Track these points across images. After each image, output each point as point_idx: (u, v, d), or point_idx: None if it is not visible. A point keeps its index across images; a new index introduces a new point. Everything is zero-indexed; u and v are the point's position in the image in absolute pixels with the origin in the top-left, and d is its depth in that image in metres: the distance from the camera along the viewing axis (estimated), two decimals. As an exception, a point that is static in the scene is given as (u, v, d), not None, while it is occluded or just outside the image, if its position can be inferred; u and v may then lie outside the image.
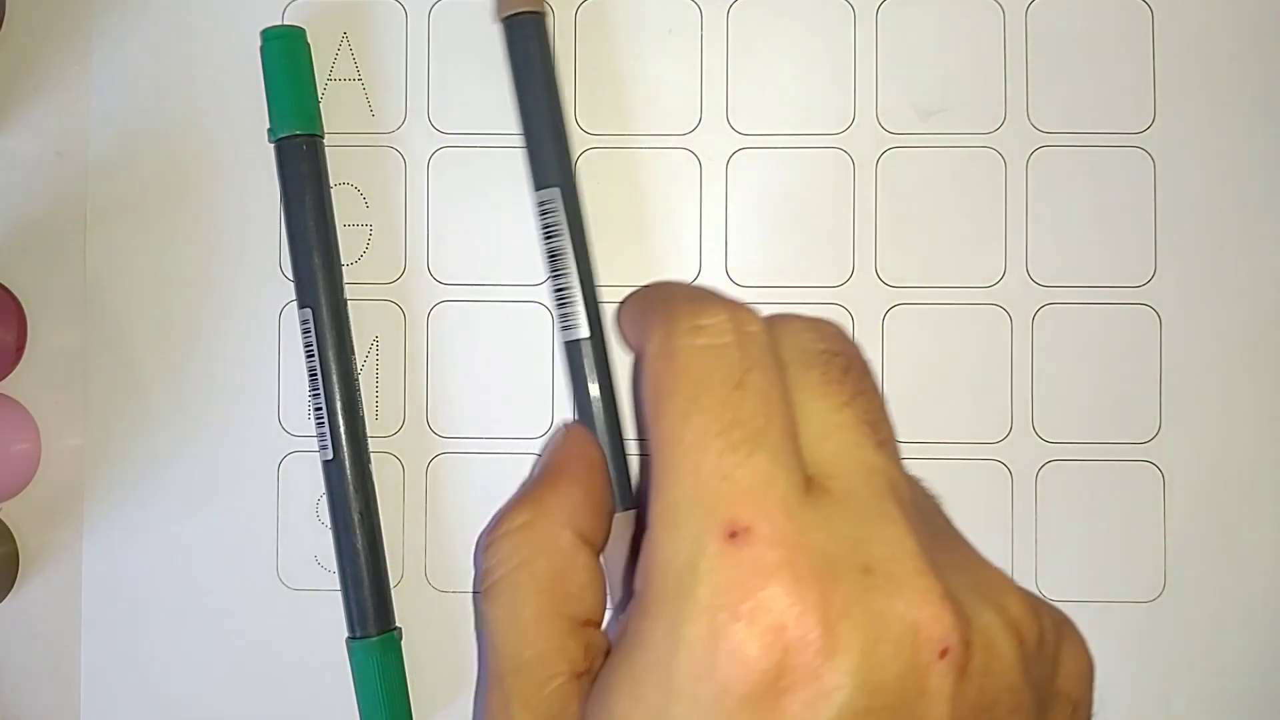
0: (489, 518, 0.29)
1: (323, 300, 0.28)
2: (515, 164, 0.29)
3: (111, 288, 0.30)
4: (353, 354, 0.29)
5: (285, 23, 0.30)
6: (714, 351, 0.20)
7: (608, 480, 0.26)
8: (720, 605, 0.18)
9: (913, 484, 0.22)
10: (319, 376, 0.28)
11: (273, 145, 0.29)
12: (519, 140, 0.29)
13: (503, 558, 0.23)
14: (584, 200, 0.28)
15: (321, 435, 0.28)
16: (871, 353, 0.29)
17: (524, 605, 0.23)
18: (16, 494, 0.30)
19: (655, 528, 0.20)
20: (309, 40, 0.29)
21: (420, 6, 0.30)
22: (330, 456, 0.28)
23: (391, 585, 0.29)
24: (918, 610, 0.18)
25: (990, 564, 0.21)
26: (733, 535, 0.18)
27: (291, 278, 0.29)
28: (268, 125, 0.29)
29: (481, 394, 0.29)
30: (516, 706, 0.22)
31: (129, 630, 0.29)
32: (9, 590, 0.30)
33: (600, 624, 0.24)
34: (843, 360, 0.21)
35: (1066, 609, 0.29)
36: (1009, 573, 0.29)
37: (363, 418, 0.29)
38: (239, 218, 0.30)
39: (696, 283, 0.29)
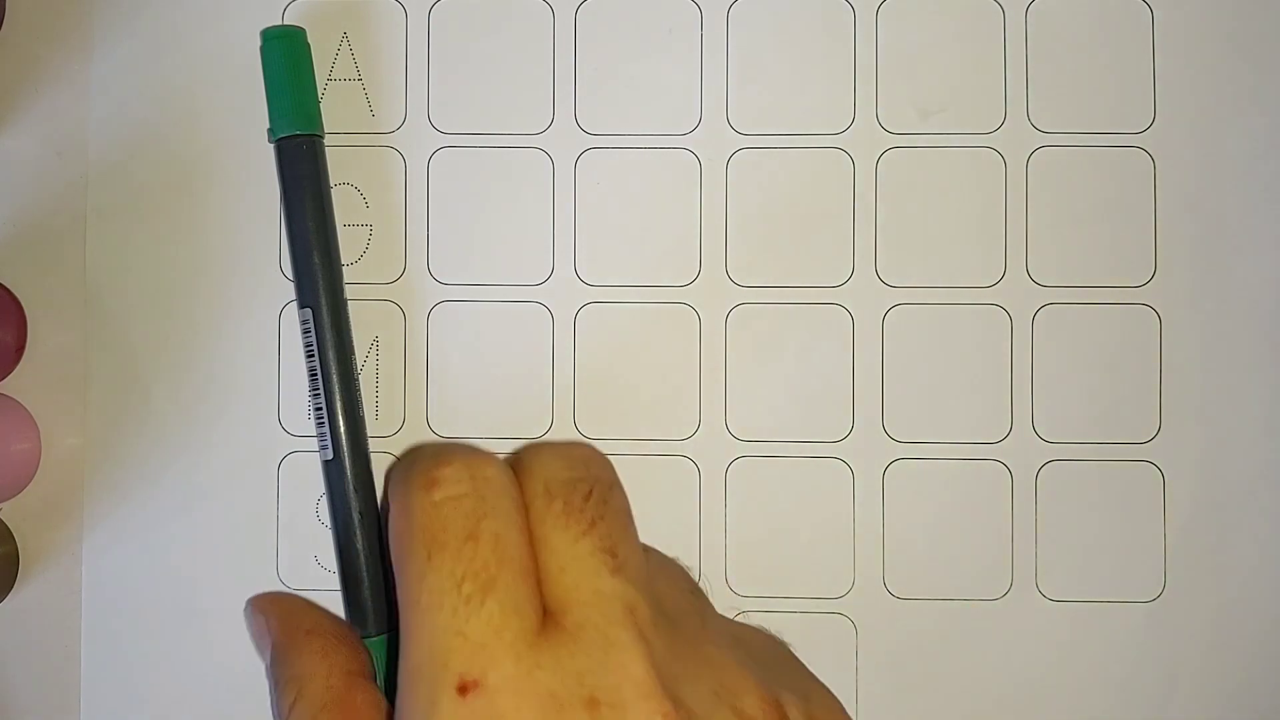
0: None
1: (323, 300, 0.28)
2: (515, 164, 0.30)
3: (111, 288, 0.30)
4: (353, 354, 0.29)
5: (285, 23, 0.30)
6: (449, 504, 0.21)
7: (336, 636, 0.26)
8: None
9: (671, 585, 0.22)
10: (319, 376, 0.28)
11: (273, 145, 0.29)
12: (519, 140, 0.29)
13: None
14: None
15: (321, 435, 0.28)
16: (871, 353, 0.29)
17: None
18: (16, 494, 0.30)
19: (401, 691, 0.20)
20: (309, 40, 0.29)
21: (420, 6, 0.30)
22: (330, 456, 0.28)
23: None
24: None
25: (738, 664, 0.21)
26: (463, 689, 0.19)
27: (291, 278, 0.29)
28: (268, 125, 0.29)
29: (481, 394, 0.29)
30: None
31: (129, 630, 0.29)
32: (9, 590, 0.30)
33: None
34: (584, 486, 0.21)
35: (1066, 609, 0.29)
36: (1004, 572, 0.29)
37: (363, 418, 0.28)
38: (239, 218, 0.30)
39: (693, 285, 0.29)
